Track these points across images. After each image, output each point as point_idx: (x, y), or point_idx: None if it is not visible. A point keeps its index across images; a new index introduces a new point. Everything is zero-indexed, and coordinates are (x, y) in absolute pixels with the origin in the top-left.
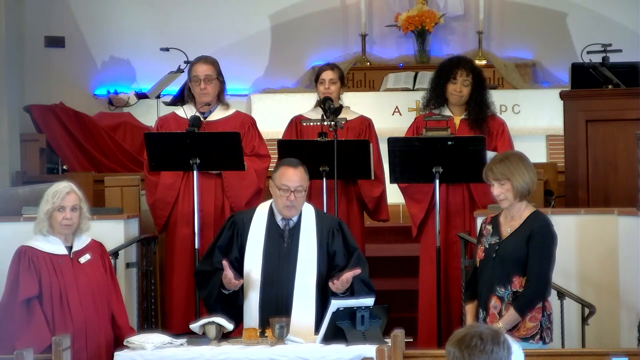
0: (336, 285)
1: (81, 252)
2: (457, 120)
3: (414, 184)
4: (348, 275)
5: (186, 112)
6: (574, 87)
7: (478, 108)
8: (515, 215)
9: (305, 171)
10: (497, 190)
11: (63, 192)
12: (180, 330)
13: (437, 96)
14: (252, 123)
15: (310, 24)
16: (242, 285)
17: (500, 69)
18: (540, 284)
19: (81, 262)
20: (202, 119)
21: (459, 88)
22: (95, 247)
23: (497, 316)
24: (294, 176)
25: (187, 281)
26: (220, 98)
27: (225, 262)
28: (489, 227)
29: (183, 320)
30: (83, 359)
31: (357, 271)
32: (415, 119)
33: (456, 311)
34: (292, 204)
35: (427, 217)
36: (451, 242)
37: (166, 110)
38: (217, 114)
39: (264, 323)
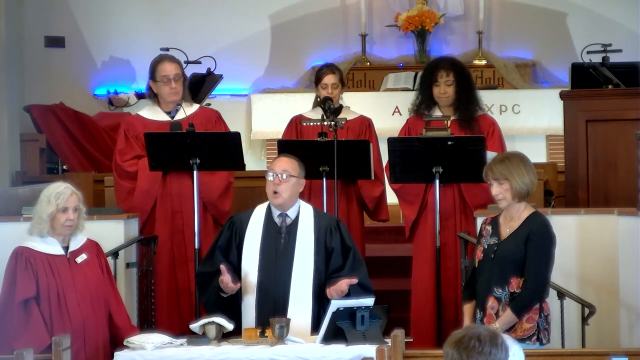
0: (331, 293)
1: (78, 252)
2: (447, 121)
3: (406, 185)
4: (343, 287)
5: (150, 112)
6: (574, 87)
7: (464, 107)
8: (514, 216)
9: (297, 163)
10: (495, 189)
11: (67, 193)
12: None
13: (426, 100)
14: (218, 117)
15: (310, 24)
16: (241, 286)
17: (500, 69)
18: (537, 285)
19: (78, 262)
20: (171, 119)
21: (442, 90)
22: (91, 246)
23: (494, 317)
24: (280, 162)
25: (167, 283)
26: (183, 95)
27: (223, 266)
28: (489, 228)
29: (169, 323)
30: (81, 359)
31: (354, 280)
32: (407, 120)
33: (449, 312)
34: (276, 189)
35: (418, 218)
36: (443, 243)
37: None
38: (182, 113)
39: (262, 320)
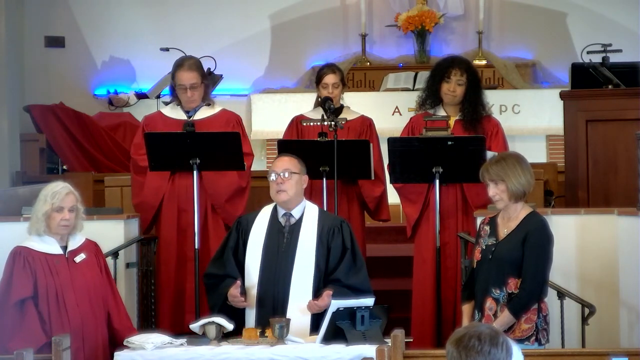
0: (310, 304)
1: (76, 252)
2: (451, 120)
3: (408, 184)
4: (320, 304)
5: (171, 110)
6: (574, 87)
7: (472, 109)
8: (512, 216)
9: (297, 160)
10: (492, 190)
11: (62, 193)
12: (169, 332)
13: (432, 96)
14: (238, 121)
15: (310, 24)
16: (244, 286)
17: (500, 69)
18: (535, 285)
19: (76, 262)
20: (188, 118)
21: (452, 87)
22: (90, 246)
23: (492, 318)
24: (280, 161)
25: (173, 283)
26: (204, 97)
27: (239, 282)
28: (487, 228)
29: (171, 322)
30: (80, 359)
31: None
32: (411, 119)
33: (449, 312)
34: (280, 188)
35: (420, 217)
36: (444, 243)
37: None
38: (202, 113)
39: (261, 319)
